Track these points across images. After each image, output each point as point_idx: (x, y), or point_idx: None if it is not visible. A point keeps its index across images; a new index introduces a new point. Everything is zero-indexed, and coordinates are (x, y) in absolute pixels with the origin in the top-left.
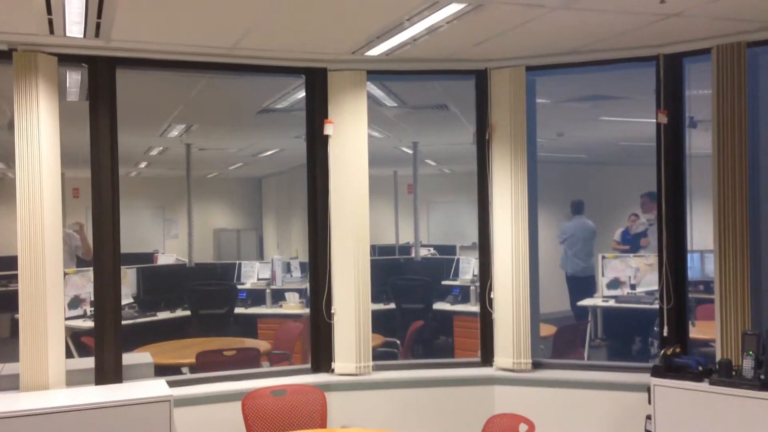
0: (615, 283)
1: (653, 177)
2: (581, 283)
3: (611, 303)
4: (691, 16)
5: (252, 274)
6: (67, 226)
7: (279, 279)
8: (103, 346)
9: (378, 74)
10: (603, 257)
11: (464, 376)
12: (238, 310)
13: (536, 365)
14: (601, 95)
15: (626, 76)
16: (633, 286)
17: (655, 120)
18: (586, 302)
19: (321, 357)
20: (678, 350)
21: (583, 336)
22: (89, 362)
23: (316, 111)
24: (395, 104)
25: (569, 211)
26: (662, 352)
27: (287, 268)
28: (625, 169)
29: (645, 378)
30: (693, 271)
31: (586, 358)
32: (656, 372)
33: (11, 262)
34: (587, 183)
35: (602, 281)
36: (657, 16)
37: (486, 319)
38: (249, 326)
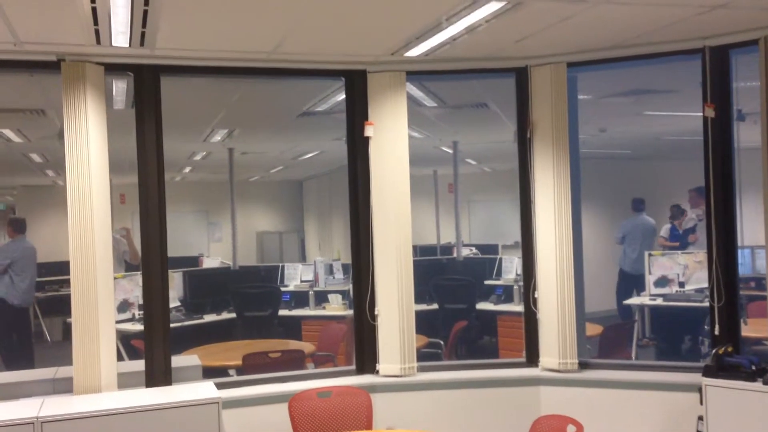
0: (663, 281)
1: (700, 171)
2: (636, 281)
3: (659, 301)
4: (737, 8)
5: (295, 276)
6: (114, 231)
7: (322, 281)
8: (152, 349)
9: (417, 75)
10: (650, 255)
11: (509, 377)
12: (281, 312)
13: (583, 365)
14: (644, 89)
15: (670, 69)
16: (681, 284)
17: (701, 113)
18: (633, 301)
19: (365, 358)
20: (730, 349)
21: (630, 335)
22: (139, 365)
23: (357, 113)
24: (435, 104)
25: (629, 209)
26: (714, 351)
27: (329, 270)
28: (670, 163)
29: (696, 378)
30: (744, 268)
31: (633, 358)
32: (708, 372)
33: (63, 267)
34: (631, 178)
35: (649, 279)
36: (702, 8)
37: (530, 319)
38: (293, 328)
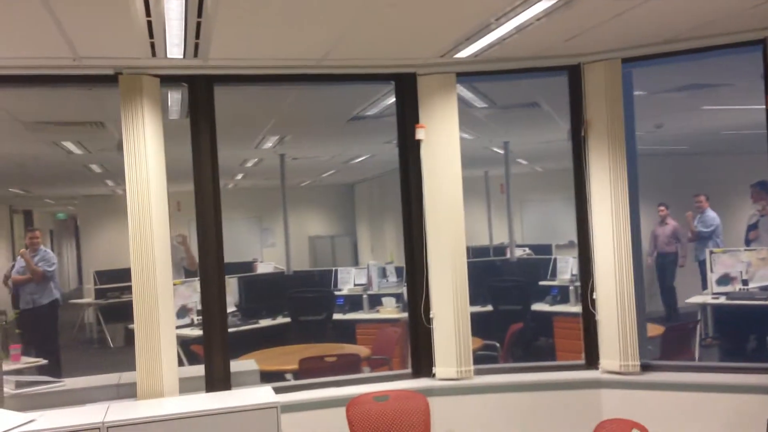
0: (725, 279)
1: (761, 165)
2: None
3: (722, 300)
4: None
5: (348, 280)
6: (171, 239)
7: (375, 284)
8: (211, 354)
9: (467, 76)
10: (711, 252)
11: (569, 380)
12: (336, 316)
13: (645, 367)
14: (701, 84)
15: (727, 62)
16: (745, 282)
17: (764, 106)
18: (695, 300)
19: (421, 362)
20: None
21: (692, 336)
22: (199, 370)
23: (407, 116)
24: (485, 105)
25: (689, 205)
26: None
27: (383, 273)
28: (729, 158)
29: (765, 379)
30: None
31: (697, 359)
32: None
33: (123, 274)
34: (689, 174)
35: (711, 277)
36: None
37: (589, 320)
38: (347, 332)
